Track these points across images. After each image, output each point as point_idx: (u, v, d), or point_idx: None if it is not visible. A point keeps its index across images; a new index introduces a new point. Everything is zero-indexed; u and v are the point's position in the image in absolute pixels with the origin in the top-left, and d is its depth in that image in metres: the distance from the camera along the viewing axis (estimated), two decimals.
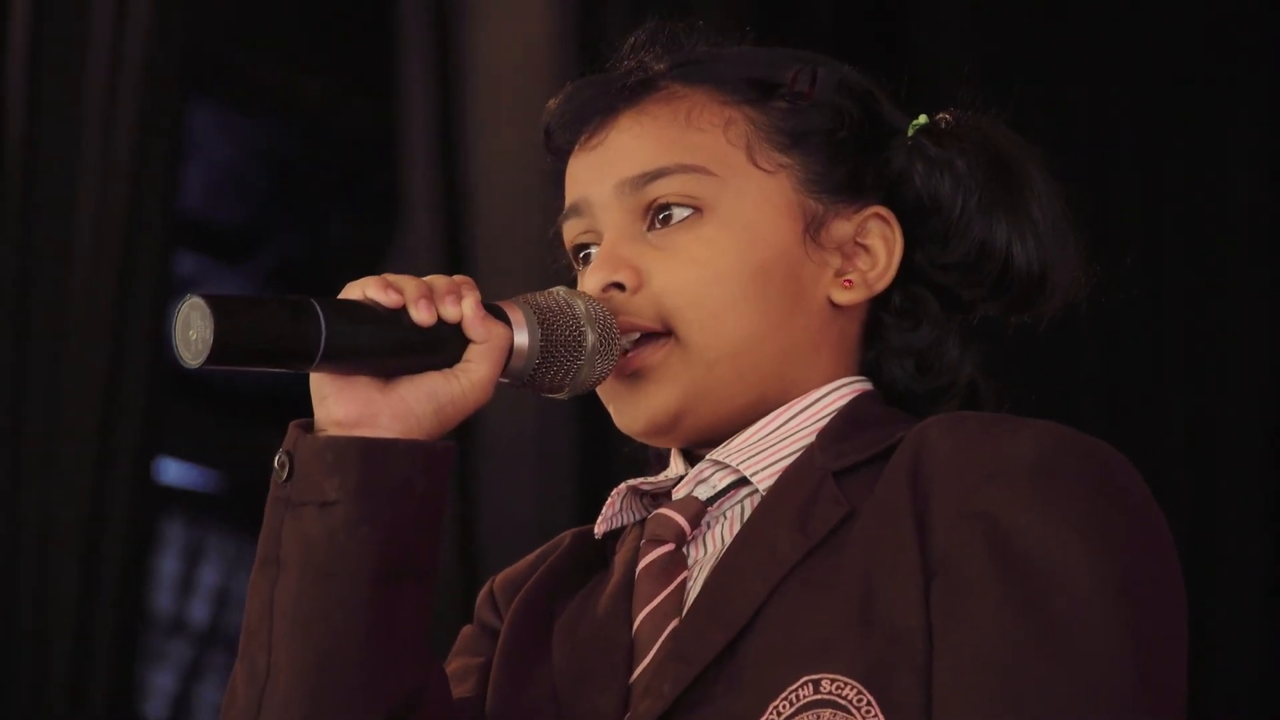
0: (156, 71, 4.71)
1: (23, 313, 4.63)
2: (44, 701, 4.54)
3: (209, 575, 6.48)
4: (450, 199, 4.57)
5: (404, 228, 4.72)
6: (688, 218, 1.95)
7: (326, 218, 6.23)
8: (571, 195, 2.01)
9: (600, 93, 2.01)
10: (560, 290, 1.92)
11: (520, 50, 4.48)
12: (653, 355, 1.93)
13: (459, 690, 1.96)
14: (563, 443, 4.31)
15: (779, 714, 1.78)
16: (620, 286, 1.94)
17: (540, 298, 1.91)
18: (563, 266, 2.05)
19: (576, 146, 2.02)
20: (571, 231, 2.02)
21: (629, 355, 1.93)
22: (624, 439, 2.03)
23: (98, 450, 4.59)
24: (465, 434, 4.37)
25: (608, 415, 2.01)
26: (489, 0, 4.59)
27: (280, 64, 5.77)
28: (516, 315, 1.88)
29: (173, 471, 6.28)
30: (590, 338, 1.90)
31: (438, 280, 1.85)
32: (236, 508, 6.33)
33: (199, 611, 6.51)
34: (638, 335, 1.93)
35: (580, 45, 4.30)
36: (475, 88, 4.58)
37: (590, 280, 1.95)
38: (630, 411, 1.96)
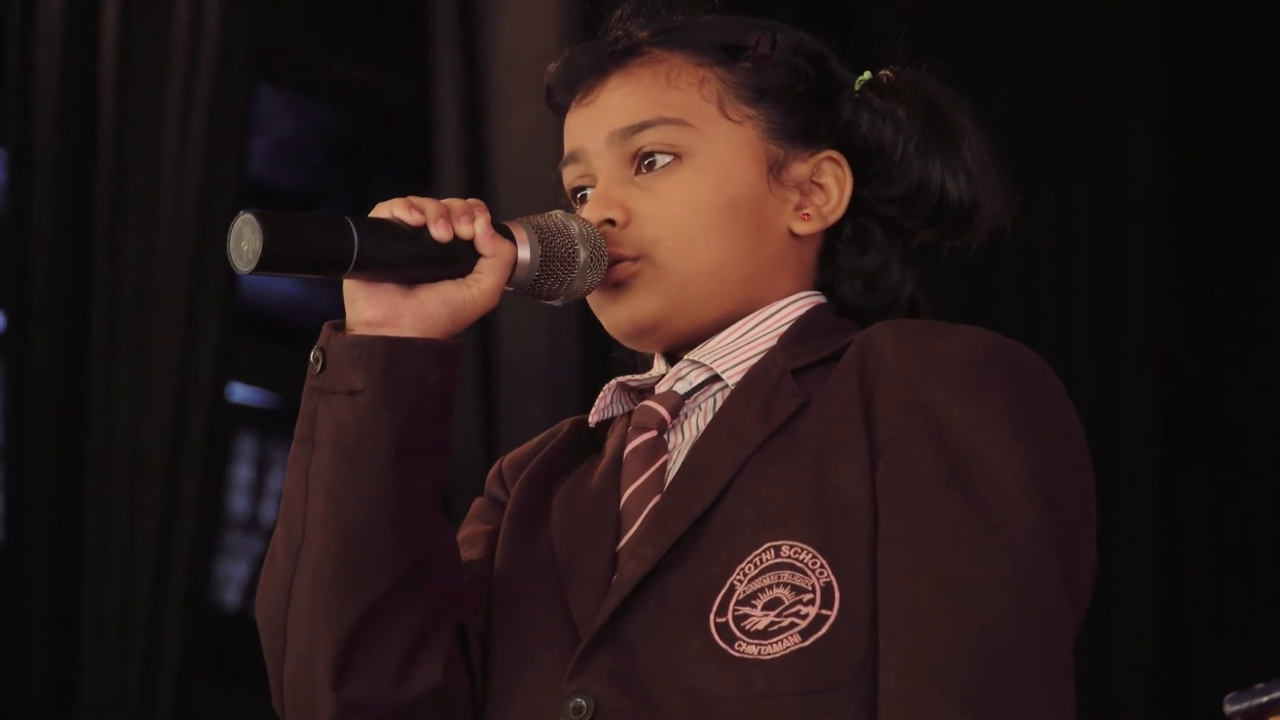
0: (228, 60, 4.71)
1: (116, 261, 4.64)
2: (131, 590, 4.55)
3: (276, 481, 6.48)
4: (477, 167, 4.58)
5: (437, 191, 4.71)
6: (669, 163, 1.93)
7: (371, 184, 6.23)
8: (569, 145, 2.00)
9: (592, 57, 2.00)
10: (558, 213, 1.91)
11: (536, 39, 4.48)
12: (634, 265, 1.92)
13: (469, 554, 1.96)
14: (569, 352, 4.34)
15: (745, 575, 1.78)
16: (611, 222, 1.93)
17: (541, 219, 1.89)
18: (562, 205, 2.02)
19: (573, 103, 2.00)
20: (569, 176, 2.00)
21: (614, 268, 1.92)
22: (614, 345, 2.02)
23: (178, 375, 4.60)
24: (489, 344, 4.41)
25: (605, 330, 2.00)
26: None
27: (333, 53, 5.76)
28: (520, 234, 1.87)
29: (240, 393, 6.28)
30: (583, 254, 1.89)
31: (454, 202, 1.84)
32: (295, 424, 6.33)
33: (269, 511, 6.52)
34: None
35: (587, 33, 4.31)
36: (498, 72, 4.59)
37: (585, 216, 1.94)
38: (616, 315, 1.95)
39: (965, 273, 2.47)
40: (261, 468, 6.50)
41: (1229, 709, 2.05)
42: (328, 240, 1.75)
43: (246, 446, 6.45)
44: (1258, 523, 5.17)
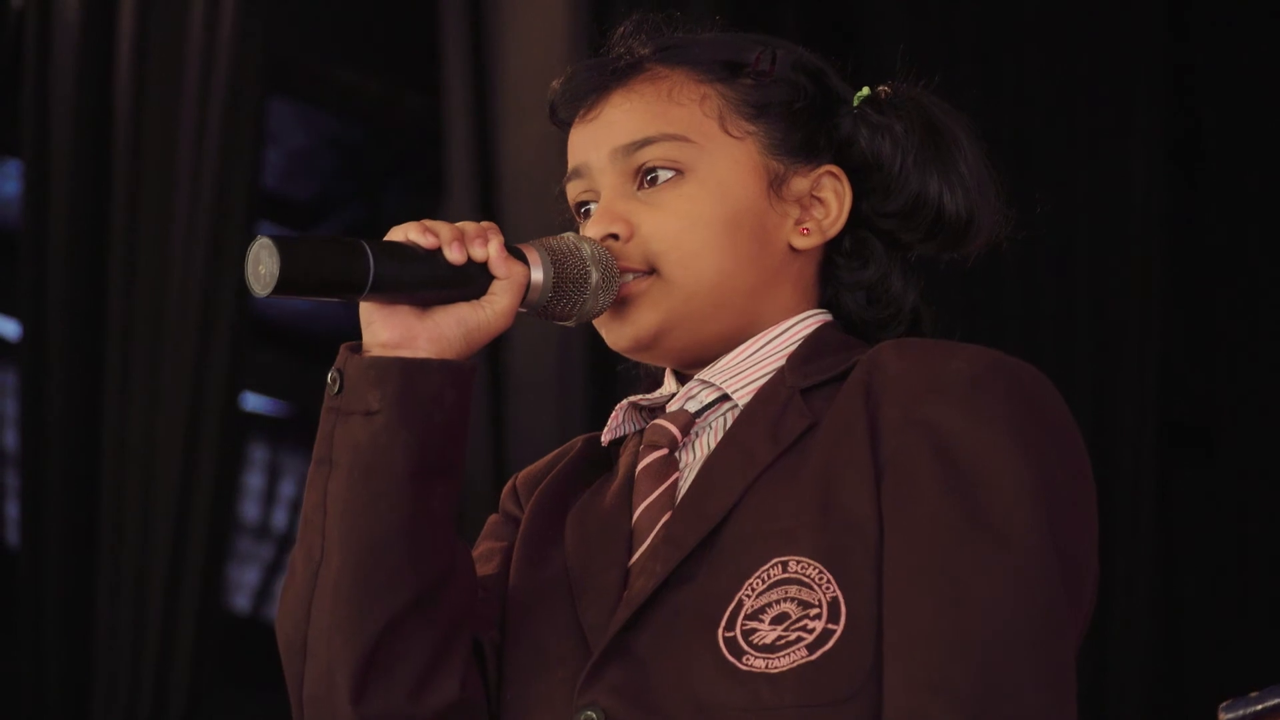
0: (241, 72, 4.71)
1: (130, 271, 4.64)
2: (143, 596, 4.56)
3: (287, 488, 6.49)
4: (485, 178, 4.59)
5: (447, 202, 4.72)
6: (671, 178, 1.94)
7: (382, 194, 6.24)
8: (573, 160, 2.00)
9: (595, 74, 2.00)
10: (570, 235, 1.92)
11: (546, 54, 4.49)
12: (639, 285, 1.93)
13: (484, 569, 1.96)
14: (578, 369, 4.35)
15: (753, 590, 1.79)
16: (615, 237, 1.93)
17: (553, 241, 1.90)
18: (566, 220, 2.04)
19: (576, 119, 2.01)
20: (574, 191, 2.00)
21: (623, 287, 1.92)
22: (621, 358, 2.03)
23: (192, 384, 4.60)
24: (499, 365, 4.42)
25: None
26: (517, 13, 4.60)
27: (345, 66, 5.77)
28: (533, 256, 1.87)
29: (253, 403, 6.29)
30: (594, 276, 1.89)
31: (468, 225, 1.85)
32: (306, 433, 6.36)
33: (279, 519, 6.53)
34: (630, 276, 1.93)
35: (595, 49, 4.33)
36: (506, 86, 4.60)
37: (590, 231, 1.94)
38: (619, 331, 1.95)
39: (967, 284, 2.48)
40: (273, 475, 6.51)
41: (1224, 717, 2.05)
42: (344, 263, 1.76)
43: (258, 454, 6.45)
44: (1255, 528, 5.17)
